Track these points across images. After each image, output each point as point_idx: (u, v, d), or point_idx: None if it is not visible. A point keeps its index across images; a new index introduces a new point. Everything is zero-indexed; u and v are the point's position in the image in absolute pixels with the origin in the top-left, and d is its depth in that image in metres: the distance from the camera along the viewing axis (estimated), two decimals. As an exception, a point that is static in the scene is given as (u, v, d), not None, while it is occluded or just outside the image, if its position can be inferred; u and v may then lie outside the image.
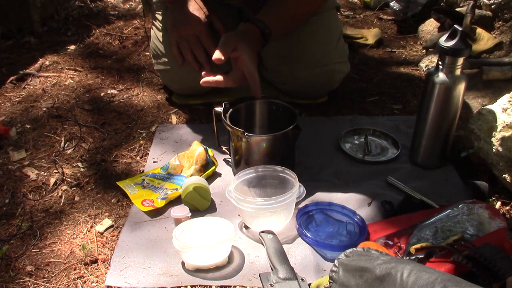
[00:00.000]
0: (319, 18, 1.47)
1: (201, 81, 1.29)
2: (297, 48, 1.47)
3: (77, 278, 0.99)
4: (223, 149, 1.32)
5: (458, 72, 1.16)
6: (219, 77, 1.27)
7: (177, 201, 1.17)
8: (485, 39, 1.79)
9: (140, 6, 2.42)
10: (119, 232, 1.10)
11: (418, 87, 1.70)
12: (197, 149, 1.26)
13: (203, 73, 1.31)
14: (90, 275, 0.99)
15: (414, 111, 1.55)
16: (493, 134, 1.18)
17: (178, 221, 1.08)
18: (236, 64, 1.25)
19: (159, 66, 1.55)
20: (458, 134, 1.34)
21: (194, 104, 1.59)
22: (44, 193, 1.23)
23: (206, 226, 1.05)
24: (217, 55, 1.20)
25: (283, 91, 1.56)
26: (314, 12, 1.44)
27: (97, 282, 0.98)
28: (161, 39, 1.51)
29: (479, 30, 1.81)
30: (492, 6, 1.88)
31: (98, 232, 1.10)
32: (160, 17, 1.53)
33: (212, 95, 1.57)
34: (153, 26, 1.58)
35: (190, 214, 1.10)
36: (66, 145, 1.42)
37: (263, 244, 1.03)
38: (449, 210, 1.03)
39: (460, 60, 1.14)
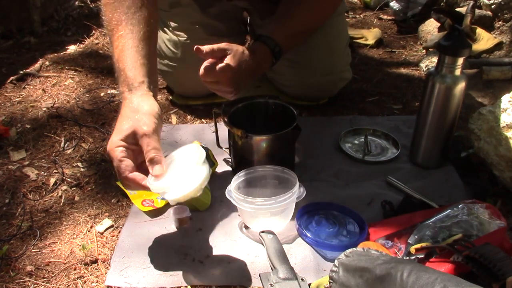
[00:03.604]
0: (329, 24, 1.43)
1: (195, 47, 1.10)
2: (306, 54, 1.45)
3: (77, 278, 0.99)
4: (223, 149, 1.32)
5: (458, 72, 1.15)
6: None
7: (177, 201, 1.17)
8: (485, 39, 1.79)
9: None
10: (119, 232, 1.10)
11: (418, 87, 1.70)
12: (197, 149, 1.26)
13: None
14: (90, 275, 0.99)
15: (414, 111, 1.55)
16: (493, 134, 1.18)
17: (178, 221, 1.07)
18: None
19: (162, 66, 1.55)
20: (458, 134, 1.34)
21: (194, 104, 1.59)
22: (44, 193, 1.23)
23: (177, 160, 0.96)
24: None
25: (284, 93, 1.56)
26: (323, 23, 1.41)
27: (97, 282, 0.98)
28: (164, 40, 1.51)
29: (479, 30, 1.82)
30: (492, 6, 1.89)
31: (98, 232, 1.10)
32: (161, 18, 1.53)
33: (213, 96, 1.56)
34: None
35: (190, 214, 1.10)
36: (66, 145, 1.42)
37: (263, 244, 1.03)
38: (449, 210, 1.03)
39: (460, 60, 1.14)
